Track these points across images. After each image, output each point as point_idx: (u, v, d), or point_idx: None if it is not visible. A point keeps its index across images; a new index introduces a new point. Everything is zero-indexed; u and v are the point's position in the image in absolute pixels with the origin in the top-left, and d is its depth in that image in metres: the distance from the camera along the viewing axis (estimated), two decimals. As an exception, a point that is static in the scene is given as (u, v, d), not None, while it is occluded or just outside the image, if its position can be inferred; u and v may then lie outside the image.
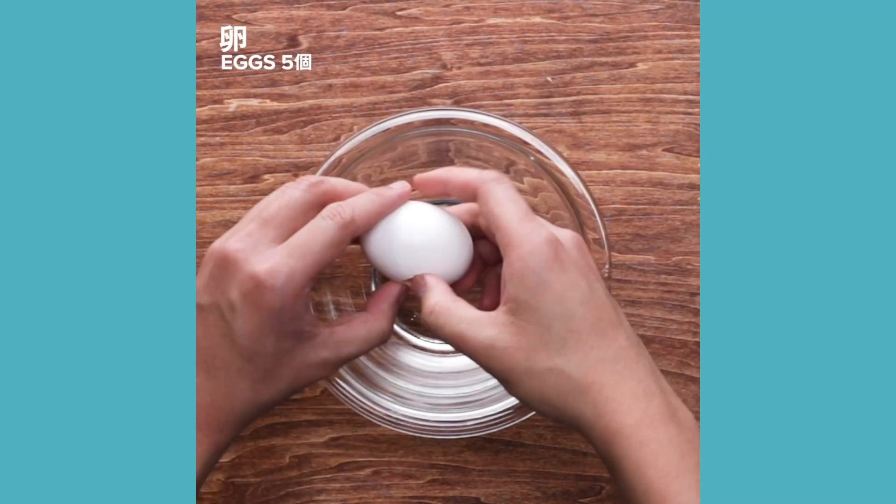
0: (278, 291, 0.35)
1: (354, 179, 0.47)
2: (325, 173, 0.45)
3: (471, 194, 0.39)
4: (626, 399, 0.35)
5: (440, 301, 0.38)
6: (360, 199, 0.39)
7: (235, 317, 0.36)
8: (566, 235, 0.37)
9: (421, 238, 0.40)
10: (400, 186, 0.40)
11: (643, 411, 0.35)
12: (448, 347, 0.50)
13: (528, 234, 0.36)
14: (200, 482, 0.38)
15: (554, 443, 0.50)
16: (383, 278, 0.42)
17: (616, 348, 0.36)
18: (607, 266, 0.45)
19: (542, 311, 0.35)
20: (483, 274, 0.43)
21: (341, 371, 0.46)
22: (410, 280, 0.40)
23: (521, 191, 0.47)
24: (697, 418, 0.49)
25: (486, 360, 0.37)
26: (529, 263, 0.36)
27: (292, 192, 0.38)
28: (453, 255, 0.40)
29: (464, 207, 0.42)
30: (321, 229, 0.37)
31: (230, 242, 0.36)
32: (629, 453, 0.34)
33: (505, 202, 0.37)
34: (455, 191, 0.40)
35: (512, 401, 0.45)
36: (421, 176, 0.41)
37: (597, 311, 0.36)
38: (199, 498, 0.50)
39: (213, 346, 0.37)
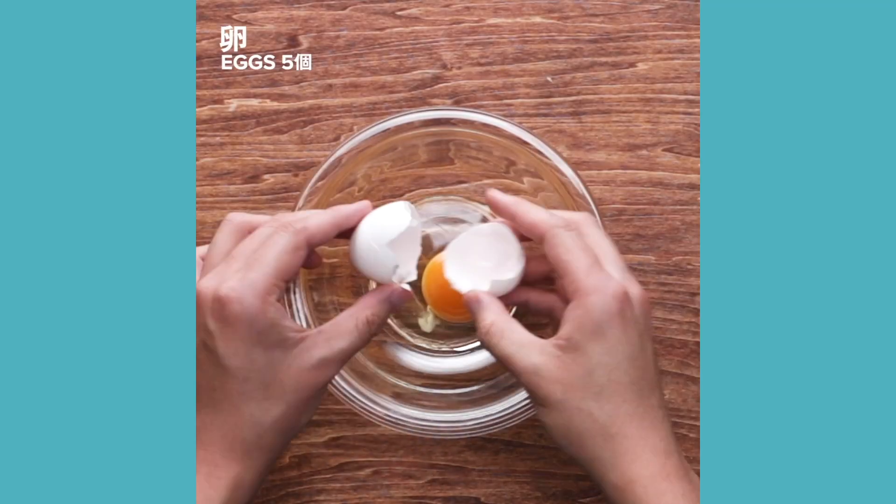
0: (243, 302, 0.36)
1: (354, 179, 0.47)
2: (325, 173, 0.45)
3: (538, 236, 0.40)
4: (645, 453, 0.37)
5: (497, 321, 0.39)
6: (312, 212, 0.40)
7: (215, 341, 0.37)
8: (636, 292, 0.38)
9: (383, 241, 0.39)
10: (358, 205, 0.41)
11: (661, 466, 0.37)
12: (448, 348, 0.50)
13: (596, 284, 0.37)
14: None
15: (554, 443, 0.50)
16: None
17: (647, 406, 0.37)
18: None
19: (590, 356, 0.37)
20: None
21: (341, 371, 0.46)
22: (464, 296, 0.41)
23: (521, 191, 0.47)
24: (697, 417, 0.49)
25: (527, 382, 0.38)
26: (593, 312, 0.37)
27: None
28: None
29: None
30: (272, 239, 0.38)
31: (202, 282, 0.38)
32: (644, 501, 0.36)
33: (573, 250, 0.38)
34: (522, 229, 0.41)
35: (512, 401, 0.45)
36: (494, 195, 0.41)
37: (640, 371, 0.38)
38: None
39: (210, 380, 0.37)
